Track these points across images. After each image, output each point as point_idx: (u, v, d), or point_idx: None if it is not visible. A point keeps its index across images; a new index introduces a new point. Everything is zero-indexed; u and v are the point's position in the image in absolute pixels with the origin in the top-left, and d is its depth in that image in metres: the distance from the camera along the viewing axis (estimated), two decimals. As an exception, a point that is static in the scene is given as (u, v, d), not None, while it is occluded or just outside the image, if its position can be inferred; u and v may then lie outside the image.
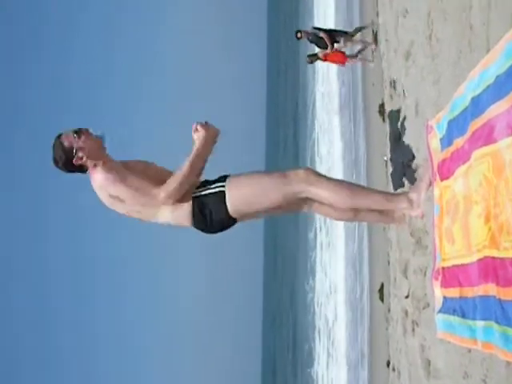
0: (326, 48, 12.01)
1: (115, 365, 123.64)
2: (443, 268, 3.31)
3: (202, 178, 4.06)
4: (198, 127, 3.85)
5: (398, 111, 6.66)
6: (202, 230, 3.99)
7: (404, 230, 5.68)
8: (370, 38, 11.97)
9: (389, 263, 7.65)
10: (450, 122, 3.22)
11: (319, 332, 26.45)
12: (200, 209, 3.86)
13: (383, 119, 9.48)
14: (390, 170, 6.69)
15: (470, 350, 3.53)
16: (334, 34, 12.22)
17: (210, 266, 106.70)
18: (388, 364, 7.84)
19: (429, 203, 3.77)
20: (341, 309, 20.88)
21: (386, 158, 8.08)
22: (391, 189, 6.36)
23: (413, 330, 5.56)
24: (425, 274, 4.99)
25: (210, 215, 3.87)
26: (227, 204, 3.85)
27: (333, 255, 23.56)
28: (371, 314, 13.45)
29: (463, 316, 2.94)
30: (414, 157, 5.55)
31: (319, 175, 3.97)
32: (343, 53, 12.39)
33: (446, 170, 3.29)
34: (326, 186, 3.91)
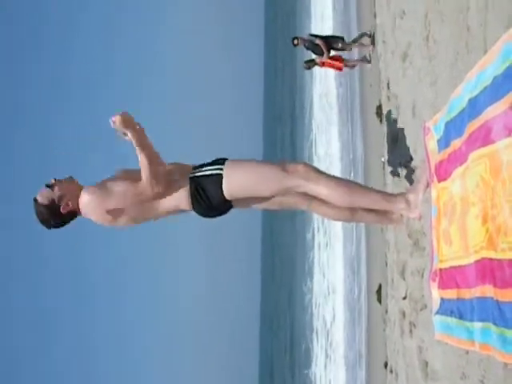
0: (323, 55, 12.04)
1: (113, 364, 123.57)
2: (441, 269, 3.31)
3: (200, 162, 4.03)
4: (112, 119, 3.73)
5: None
6: (200, 213, 3.97)
7: (402, 231, 5.69)
8: (368, 45, 11.99)
9: (386, 264, 7.66)
10: (448, 124, 3.22)
11: (317, 333, 26.45)
12: (197, 189, 3.85)
13: (380, 120, 9.50)
14: (388, 171, 6.70)
15: (467, 352, 3.53)
16: (330, 41, 12.23)
17: (207, 267, 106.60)
18: (385, 365, 7.85)
19: (426, 205, 3.77)
20: (338, 310, 20.89)
21: (383, 160, 8.09)
22: (389, 190, 6.36)
23: (410, 331, 5.56)
24: (422, 276, 5.00)
25: (207, 196, 3.86)
26: (223, 187, 3.84)
27: (331, 256, 23.58)
28: (369, 315, 13.46)
29: (461, 317, 2.94)
30: (411, 158, 5.55)
31: (318, 171, 3.95)
32: (341, 58, 12.40)
33: (443, 172, 3.29)
34: (325, 183, 3.89)
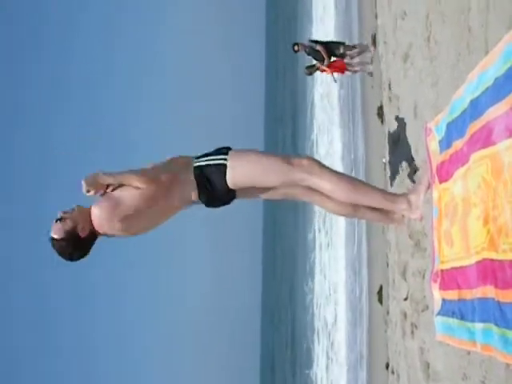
0: (323, 61, 12.05)
1: (113, 361, 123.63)
2: (442, 270, 3.30)
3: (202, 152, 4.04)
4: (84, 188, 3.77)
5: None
6: (204, 201, 3.96)
7: (403, 232, 5.69)
8: (367, 63, 12.02)
9: (388, 265, 7.66)
10: (449, 125, 3.22)
11: (318, 333, 26.45)
12: (201, 178, 3.85)
13: (382, 121, 9.50)
14: (389, 172, 6.70)
15: (469, 353, 3.53)
16: (331, 47, 12.25)
17: (208, 263, 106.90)
18: (387, 366, 7.85)
19: (427, 205, 3.77)
20: (339, 311, 20.88)
21: (384, 161, 8.08)
22: (390, 190, 6.36)
23: (412, 332, 5.56)
24: (423, 277, 5.00)
25: (211, 185, 3.86)
26: (227, 176, 3.85)
27: (332, 256, 23.58)
28: (370, 316, 13.45)
29: (462, 318, 2.94)
30: (412, 159, 5.55)
31: (322, 166, 3.96)
32: (342, 61, 12.40)
33: (444, 173, 3.29)
34: (328, 178, 3.90)
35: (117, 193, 3.77)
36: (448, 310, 3.17)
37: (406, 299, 5.89)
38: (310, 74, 13.10)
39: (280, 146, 44.43)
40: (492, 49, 2.71)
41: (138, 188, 3.75)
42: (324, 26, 27.29)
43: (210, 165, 3.88)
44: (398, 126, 6.58)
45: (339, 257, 20.93)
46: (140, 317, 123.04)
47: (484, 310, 2.60)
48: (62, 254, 3.75)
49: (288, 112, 41.27)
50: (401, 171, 6.10)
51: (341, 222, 19.81)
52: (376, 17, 10.34)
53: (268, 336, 51.80)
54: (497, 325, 2.46)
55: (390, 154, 7.10)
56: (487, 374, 3.34)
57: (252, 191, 4.03)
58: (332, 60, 12.18)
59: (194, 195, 3.90)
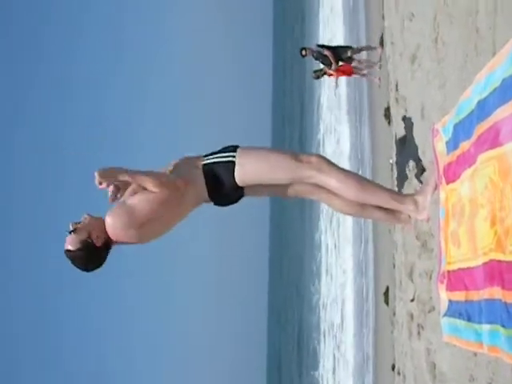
0: (331, 65, 12.09)
1: (120, 362, 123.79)
2: (449, 271, 3.31)
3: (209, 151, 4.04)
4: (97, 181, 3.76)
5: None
6: (212, 199, 3.96)
7: (410, 232, 5.69)
8: (376, 58, 12.02)
9: (394, 266, 7.65)
10: (456, 126, 3.22)
11: (324, 334, 26.44)
12: (210, 175, 3.85)
13: (389, 122, 9.49)
14: (396, 172, 6.69)
15: (475, 354, 3.53)
16: (338, 51, 12.28)
17: (215, 266, 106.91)
18: (393, 367, 7.85)
19: (434, 206, 3.77)
20: (346, 311, 20.86)
21: (391, 162, 8.08)
22: (397, 190, 6.35)
23: (418, 333, 5.56)
24: (430, 278, 5.00)
25: (219, 182, 3.86)
26: (235, 174, 3.85)
27: (338, 257, 23.56)
28: (376, 317, 13.44)
29: (469, 319, 2.94)
30: (420, 160, 5.55)
31: (331, 164, 3.96)
32: (349, 65, 12.42)
33: (451, 174, 3.29)
34: (337, 176, 3.90)
35: (130, 200, 3.75)
36: (455, 311, 3.17)
37: (412, 300, 5.89)
38: (318, 78, 13.14)
39: (287, 146, 44.43)
40: (499, 50, 2.71)
41: (151, 192, 3.72)
42: (331, 27, 27.29)
43: (218, 162, 3.87)
44: (405, 127, 6.58)
45: (346, 257, 20.92)
46: (147, 317, 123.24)
47: (491, 312, 2.60)
48: (79, 264, 3.71)
49: (295, 111, 41.26)
50: (408, 172, 6.10)
51: (348, 223, 19.81)
52: (383, 18, 10.33)
53: (274, 336, 51.82)
54: (504, 326, 2.46)
55: (397, 154, 7.10)
56: (494, 376, 3.34)
57: (260, 189, 4.02)
58: (339, 64, 12.21)
59: (204, 194, 3.90)
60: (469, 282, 2.95)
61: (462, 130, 3.11)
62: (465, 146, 3.02)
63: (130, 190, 3.80)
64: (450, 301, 3.28)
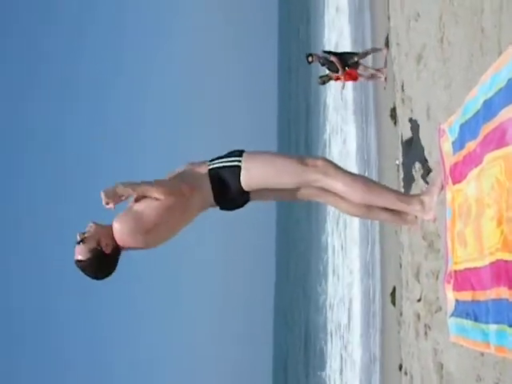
0: (338, 72, 12.12)
1: (126, 364, 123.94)
2: (455, 271, 3.30)
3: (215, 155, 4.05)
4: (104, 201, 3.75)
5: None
6: (221, 204, 3.97)
7: (416, 233, 5.68)
8: (382, 66, 12.04)
9: (401, 266, 7.65)
10: (462, 126, 3.22)
11: (331, 334, 26.42)
12: (216, 179, 3.86)
13: (395, 122, 9.49)
14: (402, 173, 6.69)
15: (482, 354, 3.53)
16: (345, 58, 12.29)
17: (222, 267, 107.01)
18: (400, 368, 7.84)
19: (441, 207, 3.77)
20: (353, 311, 20.86)
21: (398, 162, 8.07)
22: (403, 191, 6.34)
23: (425, 333, 5.56)
24: (437, 278, 4.99)
25: (225, 187, 3.87)
26: (241, 178, 3.85)
27: (345, 258, 23.55)
28: (383, 317, 13.43)
29: (476, 319, 2.94)
30: (426, 160, 5.55)
31: (337, 167, 3.97)
32: (356, 70, 12.44)
33: (458, 174, 3.29)
34: (343, 179, 3.91)
35: (137, 206, 3.76)
36: (462, 311, 3.17)
37: (419, 300, 5.88)
38: (324, 83, 13.16)
39: (293, 147, 44.48)
40: (505, 50, 2.71)
41: (157, 200, 3.74)
42: (337, 28, 27.28)
43: (224, 167, 3.88)
44: (411, 128, 6.57)
45: (352, 258, 20.91)
46: (154, 319, 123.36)
47: (498, 312, 2.60)
48: (90, 273, 3.72)
49: (301, 112, 41.26)
50: (414, 173, 6.09)
51: (354, 224, 19.81)
52: (389, 18, 10.32)
53: (281, 337, 51.82)
54: (511, 326, 2.45)
55: (403, 155, 7.09)
56: (501, 376, 3.34)
57: (266, 193, 4.03)
58: (346, 70, 12.26)
59: (211, 199, 3.91)
60: (475, 281, 2.95)
61: (468, 130, 3.11)
62: (471, 146, 3.02)
63: (135, 197, 3.83)
64: (457, 301, 3.28)
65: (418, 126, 6.27)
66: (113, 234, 3.73)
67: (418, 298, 5.95)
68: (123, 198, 3.76)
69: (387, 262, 11.95)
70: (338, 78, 12.48)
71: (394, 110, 9.67)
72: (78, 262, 3.69)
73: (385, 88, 12.05)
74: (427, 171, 5.44)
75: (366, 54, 12.61)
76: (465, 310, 3.11)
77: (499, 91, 2.64)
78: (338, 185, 3.91)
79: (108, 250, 3.70)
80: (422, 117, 5.94)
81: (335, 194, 4.02)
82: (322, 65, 12.43)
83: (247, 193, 3.94)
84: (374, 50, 12.59)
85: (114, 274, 3.82)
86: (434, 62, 5.39)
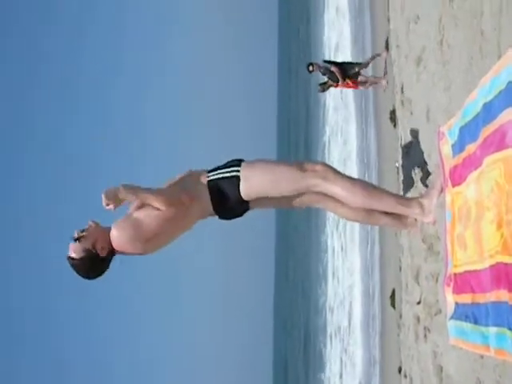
0: (338, 82, 12.18)
1: (127, 368, 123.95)
2: (455, 274, 3.30)
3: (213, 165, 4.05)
4: (104, 201, 3.74)
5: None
6: (220, 214, 3.97)
7: (416, 236, 5.67)
8: (381, 75, 12.08)
9: (400, 269, 7.64)
10: (462, 129, 3.22)
11: (331, 337, 26.41)
12: (215, 191, 3.86)
13: (394, 125, 9.49)
14: (402, 176, 6.68)
15: (482, 357, 3.52)
16: (345, 68, 12.33)
17: (222, 269, 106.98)
18: (400, 370, 7.82)
19: (441, 209, 3.76)
20: (352, 314, 20.85)
21: (397, 165, 8.06)
22: (402, 193, 6.34)
23: (425, 336, 5.55)
24: (437, 280, 4.99)
25: (224, 197, 3.87)
26: (240, 188, 3.86)
27: (345, 260, 23.54)
28: (383, 319, 13.43)
29: (475, 322, 2.94)
30: (425, 163, 5.54)
31: (336, 172, 3.98)
32: (356, 81, 12.48)
33: (457, 176, 3.29)
34: (342, 184, 3.91)
35: (137, 214, 3.77)
36: (461, 313, 3.17)
37: (418, 303, 5.87)
38: (323, 90, 13.19)
39: (292, 148, 44.46)
40: (505, 52, 2.71)
41: (158, 209, 3.76)
42: (337, 28, 27.30)
43: (223, 178, 3.89)
44: (410, 130, 6.56)
45: (352, 260, 20.91)
46: (154, 321, 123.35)
47: (498, 314, 2.60)
48: (81, 272, 3.74)
49: (301, 114, 41.25)
50: (414, 175, 6.09)
51: (354, 226, 19.81)
52: (388, 20, 10.32)
53: (281, 339, 51.78)
54: (510, 329, 2.45)
55: (402, 157, 7.08)
56: (501, 379, 3.33)
57: (266, 201, 4.04)
58: (346, 81, 12.32)
59: (210, 208, 3.92)
60: (475, 284, 2.95)
61: (467, 132, 3.11)
62: (471, 148, 3.02)
63: (135, 203, 3.83)
64: (457, 303, 3.28)
65: (418, 128, 6.27)
66: (110, 239, 3.74)
67: (417, 300, 5.95)
68: (124, 201, 3.77)
69: (387, 264, 11.95)
70: (338, 86, 12.54)
71: (393, 113, 9.67)
72: (71, 258, 3.71)
73: (384, 90, 12.05)
74: (426, 174, 5.44)
75: (367, 64, 12.63)
76: (464, 313, 3.11)
77: (499, 94, 2.64)
78: (337, 189, 3.91)
79: (103, 254, 3.73)
80: (422, 119, 5.94)
81: (335, 200, 4.02)
82: (323, 74, 12.48)
83: (246, 202, 3.94)
84: (374, 58, 12.61)
85: (105, 274, 3.84)
86: (434, 65, 5.39)
